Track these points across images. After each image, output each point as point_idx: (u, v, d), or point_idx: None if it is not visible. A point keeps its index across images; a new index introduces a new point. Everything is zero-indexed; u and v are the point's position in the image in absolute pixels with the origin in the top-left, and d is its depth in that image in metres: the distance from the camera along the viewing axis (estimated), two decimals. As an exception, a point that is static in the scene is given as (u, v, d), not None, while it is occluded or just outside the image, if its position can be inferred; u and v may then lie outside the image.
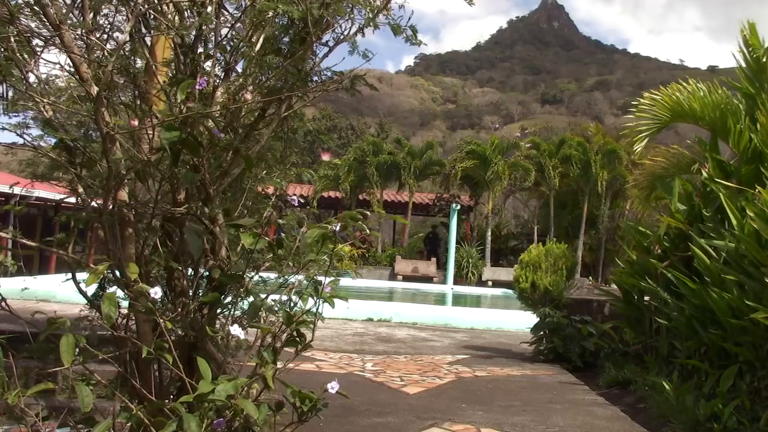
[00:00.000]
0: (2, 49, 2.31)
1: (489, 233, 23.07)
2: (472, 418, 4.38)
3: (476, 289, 19.80)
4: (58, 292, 7.85)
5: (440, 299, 16.81)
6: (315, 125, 33.10)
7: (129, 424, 2.25)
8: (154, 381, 2.55)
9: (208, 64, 2.58)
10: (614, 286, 6.92)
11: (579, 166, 22.25)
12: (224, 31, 2.66)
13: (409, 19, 2.60)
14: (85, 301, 2.72)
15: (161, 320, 2.19)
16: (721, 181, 5.32)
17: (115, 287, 2.54)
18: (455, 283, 20.50)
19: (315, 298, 2.61)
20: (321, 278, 2.69)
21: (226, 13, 2.70)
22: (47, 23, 2.29)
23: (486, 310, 13.41)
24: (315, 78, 2.83)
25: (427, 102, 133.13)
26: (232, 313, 2.74)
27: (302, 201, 2.89)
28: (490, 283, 21.06)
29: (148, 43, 2.75)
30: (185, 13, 2.65)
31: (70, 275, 2.60)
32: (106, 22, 2.61)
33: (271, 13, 2.51)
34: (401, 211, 24.30)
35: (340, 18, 2.56)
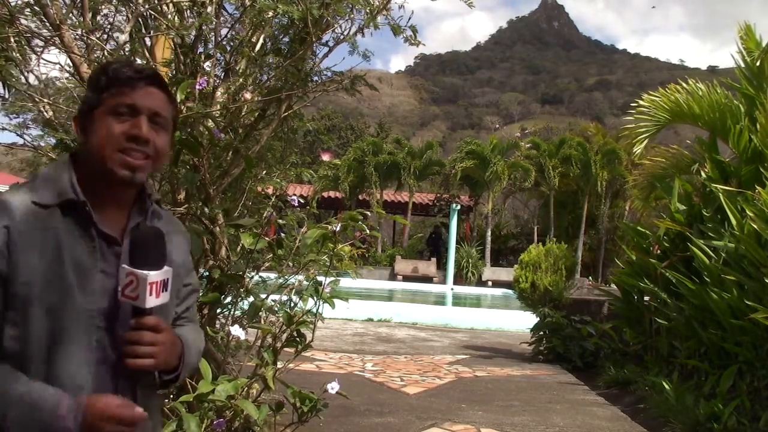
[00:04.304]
0: (2, 49, 2.31)
1: (489, 233, 23.05)
2: (472, 418, 4.38)
3: (476, 289, 19.79)
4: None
5: (440, 299, 16.80)
6: (315, 125, 32.96)
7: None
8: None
9: (208, 64, 2.58)
10: (614, 286, 6.92)
11: (579, 166, 22.22)
12: (224, 31, 2.66)
13: (409, 19, 2.61)
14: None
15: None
16: (719, 186, 5.31)
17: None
18: (455, 283, 20.49)
19: (315, 298, 2.61)
20: (321, 278, 2.69)
21: (225, 13, 2.70)
22: (47, 23, 2.29)
23: (486, 310, 13.41)
24: (315, 78, 2.83)
25: (428, 102, 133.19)
26: (232, 313, 2.74)
27: (302, 201, 2.89)
28: (490, 283, 21.05)
29: (148, 43, 2.75)
30: (185, 13, 2.66)
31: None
32: (106, 22, 2.61)
33: (271, 13, 2.51)
34: (401, 211, 24.28)
35: (339, 18, 2.56)
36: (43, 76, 2.60)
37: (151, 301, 1.10)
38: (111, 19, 2.63)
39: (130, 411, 1.07)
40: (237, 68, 2.65)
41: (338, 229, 2.49)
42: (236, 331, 2.29)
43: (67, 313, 1.10)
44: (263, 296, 2.61)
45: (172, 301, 1.27)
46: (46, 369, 1.09)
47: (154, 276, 1.10)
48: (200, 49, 2.63)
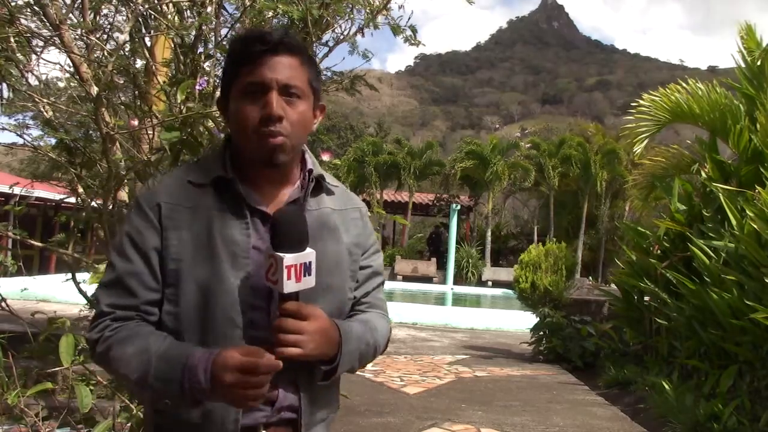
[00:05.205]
0: (2, 49, 2.31)
1: (489, 233, 23.06)
2: (472, 418, 4.38)
3: (476, 289, 19.78)
4: (58, 293, 7.85)
5: (440, 299, 16.80)
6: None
7: (129, 424, 2.25)
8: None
9: (208, 64, 2.58)
10: (614, 286, 6.92)
11: (579, 166, 22.23)
12: (224, 31, 2.66)
13: (409, 19, 2.61)
14: (85, 301, 2.72)
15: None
16: (720, 185, 5.31)
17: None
18: (455, 283, 20.48)
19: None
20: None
21: (225, 13, 2.70)
22: (47, 23, 2.29)
23: (486, 310, 13.40)
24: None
25: (428, 102, 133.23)
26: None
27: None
28: (490, 283, 21.04)
29: (148, 43, 2.75)
30: (185, 13, 2.66)
31: (70, 275, 2.60)
32: (106, 22, 2.62)
33: (271, 13, 2.51)
34: (401, 211, 24.28)
35: (339, 18, 2.56)
36: (43, 77, 2.60)
37: (289, 286, 1.03)
38: (111, 19, 2.63)
39: (254, 360, 0.98)
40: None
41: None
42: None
43: (218, 290, 1.08)
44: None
45: (346, 283, 1.20)
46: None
47: (290, 259, 1.03)
48: (200, 49, 2.63)
